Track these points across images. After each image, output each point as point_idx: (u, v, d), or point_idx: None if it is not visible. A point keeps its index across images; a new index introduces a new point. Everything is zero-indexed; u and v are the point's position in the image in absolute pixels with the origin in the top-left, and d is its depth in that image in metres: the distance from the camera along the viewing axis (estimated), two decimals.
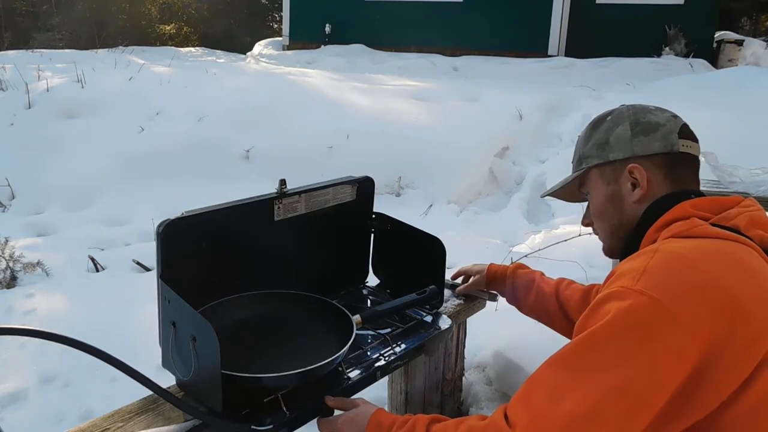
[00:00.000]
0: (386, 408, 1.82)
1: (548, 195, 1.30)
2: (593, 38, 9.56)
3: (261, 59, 10.82)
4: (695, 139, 1.12)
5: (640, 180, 1.08)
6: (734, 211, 1.00)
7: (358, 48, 10.63)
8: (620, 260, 1.11)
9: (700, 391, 0.83)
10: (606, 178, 1.14)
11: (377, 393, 1.92)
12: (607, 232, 1.16)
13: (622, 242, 1.12)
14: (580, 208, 1.26)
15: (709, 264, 0.89)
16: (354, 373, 1.28)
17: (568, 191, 1.25)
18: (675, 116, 1.13)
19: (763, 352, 0.84)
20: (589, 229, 1.25)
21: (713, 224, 0.98)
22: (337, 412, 1.20)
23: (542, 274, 1.58)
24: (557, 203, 4.17)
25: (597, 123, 1.18)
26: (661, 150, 1.08)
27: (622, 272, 0.92)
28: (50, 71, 6.76)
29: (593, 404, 0.82)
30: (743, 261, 0.91)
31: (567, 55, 9.58)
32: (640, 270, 0.89)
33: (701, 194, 1.07)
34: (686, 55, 9.08)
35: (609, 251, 1.20)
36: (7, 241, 3.34)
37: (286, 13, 12.06)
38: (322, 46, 11.09)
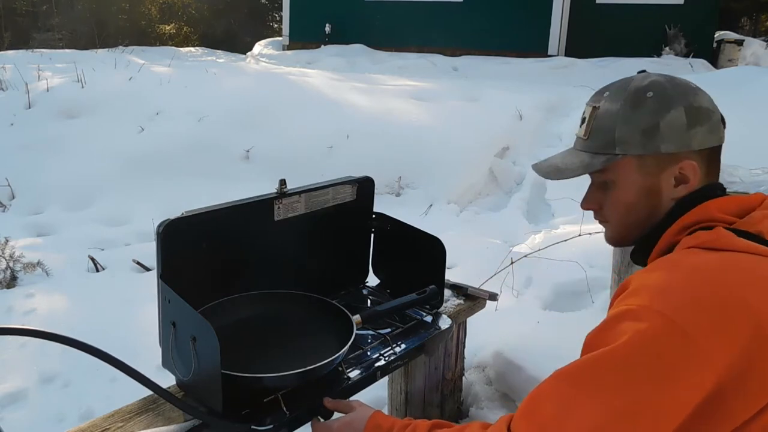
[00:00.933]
0: (386, 408, 1.82)
1: (543, 175, 1.09)
2: (593, 38, 9.56)
3: (261, 59, 10.83)
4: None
5: (691, 178, 0.96)
6: (758, 214, 0.94)
7: (358, 48, 10.63)
8: (631, 256, 1.07)
9: (713, 418, 0.80)
10: (645, 170, 0.98)
11: (377, 393, 1.92)
12: (627, 224, 1.03)
13: (638, 236, 1.03)
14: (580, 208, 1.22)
15: (733, 285, 0.83)
16: (354, 373, 1.28)
17: (576, 172, 1.04)
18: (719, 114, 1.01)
19: None
20: (589, 229, 1.21)
21: (738, 231, 0.91)
22: (335, 414, 1.20)
23: None
24: (557, 203, 4.17)
25: (637, 100, 0.98)
26: (715, 143, 0.97)
27: (638, 287, 0.86)
28: (50, 71, 6.76)
29: (600, 424, 0.80)
30: None
31: (567, 55, 9.58)
32: (659, 287, 0.84)
33: (724, 189, 1.00)
34: (686, 55, 9.08)
35: (618, 241, 1.09)
36: (7, 241, 3.34)
37: (286, 13, 12.07)
38: (322, 46, 11.10)
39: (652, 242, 1.00)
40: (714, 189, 0.98)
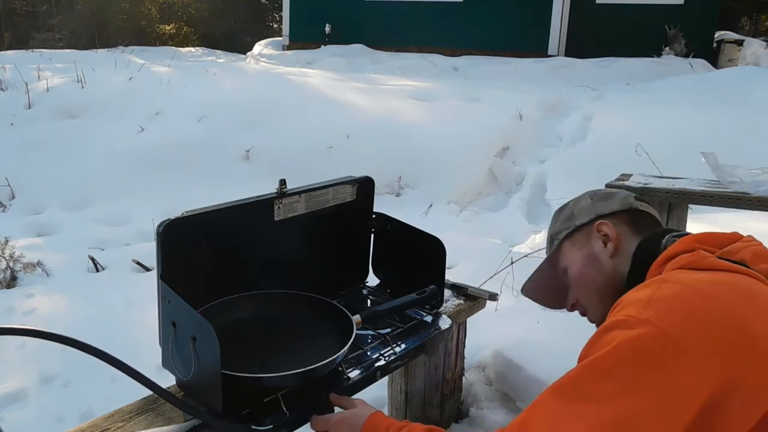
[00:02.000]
0: (386, 408, 1.82)
1: (530, 296, 1.32)
2: (593, 38, 9.56)
3: (261, 59, 10.83)
4: (651, 204, 1.21)
5: (609, 233, 1.13)
6: (738, 245, 0.99)
7: (358, 48, 10.63)
8: None
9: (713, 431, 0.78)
10: (578, 244, 1.18)
11: (377, 393, 1.92)
12: (596, 297, 1.14)
13: (615, 300, 1.05)
14: None
15: (720, 296, 0.85)
16: (354, 373, 1.28)
17: (547, 279, 1.25)
18: (630, 193, 1.22)
19: None
20: None
21: (720, 258, 0.94)
22: (336, 412, 1.20)
23: None
24: (557, 203, 4.16)
25: (561, 209, 1.27)
26: (622, 207, 1.17)
27: (628, 302, 0.89)
28: (50, 71, 6.76)
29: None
30: (756, 294, 0.87)
31: (567, 55, 9.58)
32: (648, 299, 0.85)
33: (679, 231, 1.08)
34: (686, 55, 9.08)
35: (603, 316, 1.07)
36: (7, 241, 3.34)
37: (286, 13, 12.06)
38: (322, 46, 11.10)
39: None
40: (665, 232, 1.09)
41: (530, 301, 1.47)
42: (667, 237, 1.06)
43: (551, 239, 1.26)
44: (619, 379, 0.79)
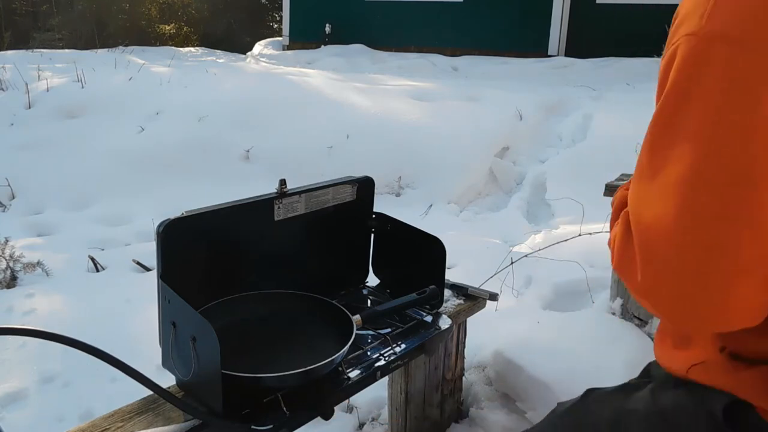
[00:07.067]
0: (386, 408, 1.82)
1: None
2: (593, 38, 9.55)
3: (261, 59, 10.83)
4: None
5: None
6: None
7: (358, 48, 10.63)
8: None
9: None
10: None
11: (377, 393, 1.92)
12: None
13: None
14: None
15: None
16: (354, 373, 1.28)
17: None
18: None
19: None
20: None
21: None
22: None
23: None
24: (557, 203, 4.17)
25: None
26: None
27: (686, 13, 0.80)
28: (50, 71, 6.75)
29: (687, 169, 0.72)
30: None
31: (567, 55, 9.58)
32: (708, 3, 0.75)
33: None
34: None
35: None
36: (7, 241, 3.34)
37: (286, 13, 12.07)
38: (322, 46, 11.10)
39: None
40: None
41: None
42: None
43: None
44: (687, 105, 0.73)
